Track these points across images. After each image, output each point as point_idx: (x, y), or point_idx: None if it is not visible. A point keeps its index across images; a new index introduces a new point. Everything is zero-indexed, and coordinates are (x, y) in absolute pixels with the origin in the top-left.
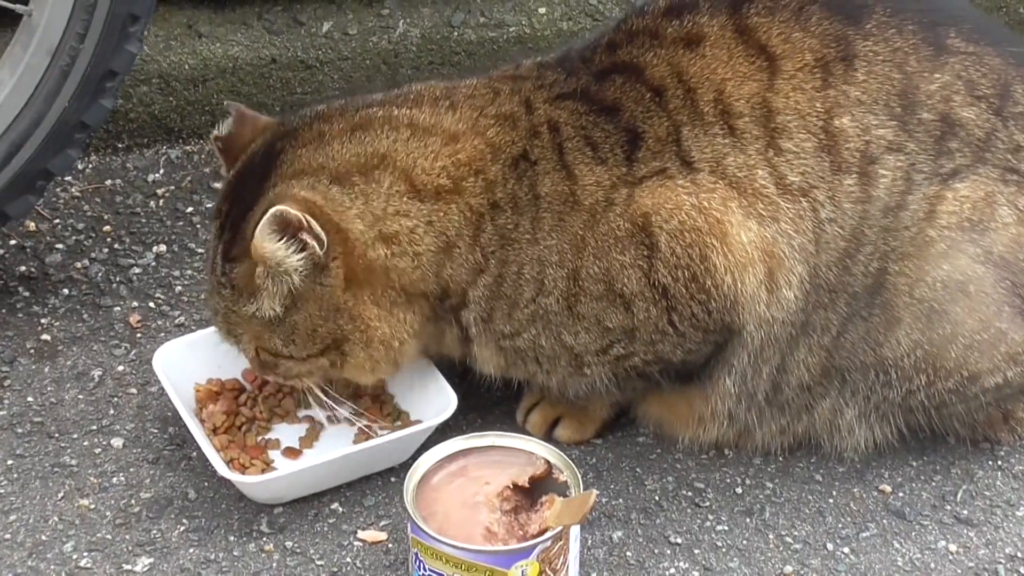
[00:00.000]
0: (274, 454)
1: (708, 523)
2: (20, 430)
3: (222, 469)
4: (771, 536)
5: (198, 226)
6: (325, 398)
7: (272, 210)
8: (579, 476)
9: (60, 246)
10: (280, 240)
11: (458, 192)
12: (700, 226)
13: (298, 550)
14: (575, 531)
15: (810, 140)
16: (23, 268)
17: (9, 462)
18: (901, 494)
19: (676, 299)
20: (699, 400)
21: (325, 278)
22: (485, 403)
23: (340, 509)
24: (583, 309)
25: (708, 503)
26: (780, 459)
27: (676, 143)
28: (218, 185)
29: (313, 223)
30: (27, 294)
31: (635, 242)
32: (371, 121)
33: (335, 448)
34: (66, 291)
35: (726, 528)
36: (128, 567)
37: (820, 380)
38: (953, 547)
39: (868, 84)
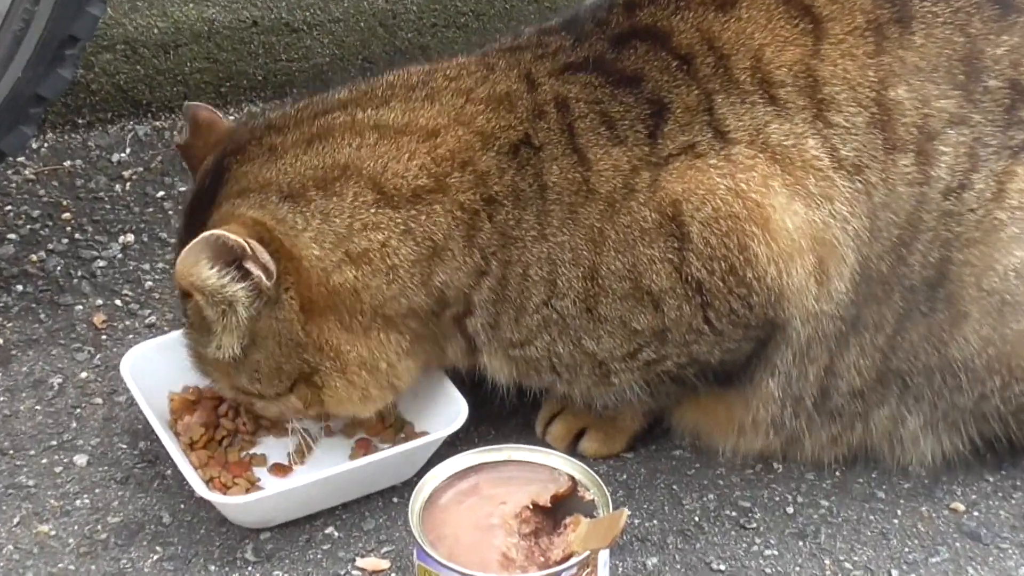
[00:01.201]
0: (260, 471)
1: (755, 547)
2: None
3: (201, 489)
4: (827, 562)
5: (170, 212)
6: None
7: (204, 235)
8: (608, 494)
9: (12, 236)
10: (213, 268)
11: (442, 190)
12: (737, 212)
13: None
14: (603, 557)
15: (861, 114)
16: None
17: None
18: (976, 513)
19: (712, 294)
20: (739, 405)
21: (278, 311)
22: (500, 412)
23: (336, 534)
24: (605, 311)
25: (755, 524)
26: (836, 474)
27: (708, 111)
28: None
29: (259, 250)
30: None
31: (664, 233)
32: (330, 129)
33: (329, 464)
34: (20, 287)
35: (775, 553)
36: None
37: (875, 385)
38: None
39: (927, 49)
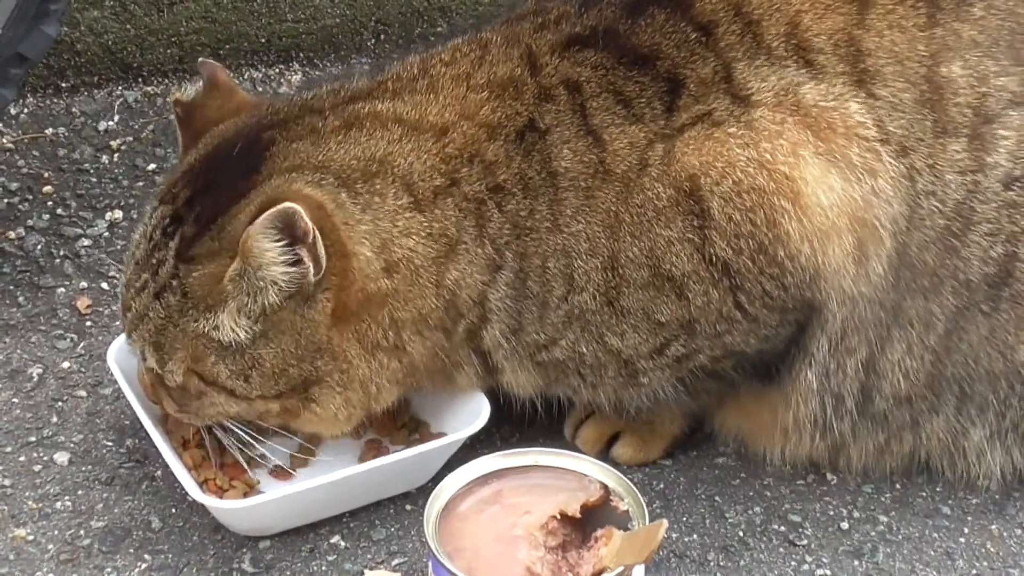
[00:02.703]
0: (260, 473)
1: (805, 566)
2: None
3: (194, 492)
4: None
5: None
6: (246, 437)
7: (285, 205)
8: (644, 505)
9: None
10: (276, 243)
11: (455, 184)
12: (762, 185)
13: None
14: (638, 573)
15: (909, 91)
16: None
17: None
18: None
19: (742, 276)
20: (781, 404)
21: (308, 310)
22: (525, 412)
23: (342, 544)
24: (627, 303)
25: (805, 541)
26: (897, 487)
27: (726, 79)
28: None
29: (319, 240)
30: None
31: (681, 211)
32: (360, 119)
33: (335, 467)
34: None
35: (828, 573)
36: None
37: (924, 392)
38: None
39: (986, 21)
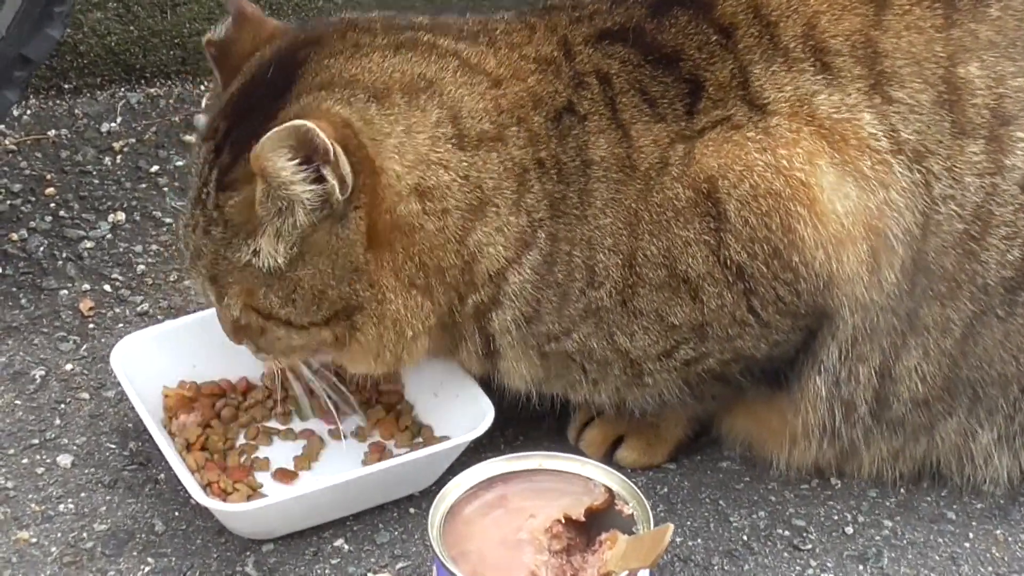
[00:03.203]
0: (263, 476)
1: (810, 570)
2: None
3: (198, 495)
4: None
5: (164, 188)
6: (325, 385)
7: (295, 121)
8: (649, 509)
9: None
10: (290, 161)
11: (501, 140)
12: (778, 190)
13: None
14: None
15: (927, 92)
16: None
17: None
18: None
19: (755, 280)
20: (790, 411)
21: (342, 229)
22: (529, 415)
23: (346, 547)
24: (641, 303)
25: (810, 545)
26: (901, 492)
27: (743, 85)
28: (200, 119)
29: (342, 158)
30: None
31: (699, 212)
32: (416, 43)
33: (339, 470)
34: None
35: None
36: None
37: (941, 394)
38: None
39: (1003, 22)
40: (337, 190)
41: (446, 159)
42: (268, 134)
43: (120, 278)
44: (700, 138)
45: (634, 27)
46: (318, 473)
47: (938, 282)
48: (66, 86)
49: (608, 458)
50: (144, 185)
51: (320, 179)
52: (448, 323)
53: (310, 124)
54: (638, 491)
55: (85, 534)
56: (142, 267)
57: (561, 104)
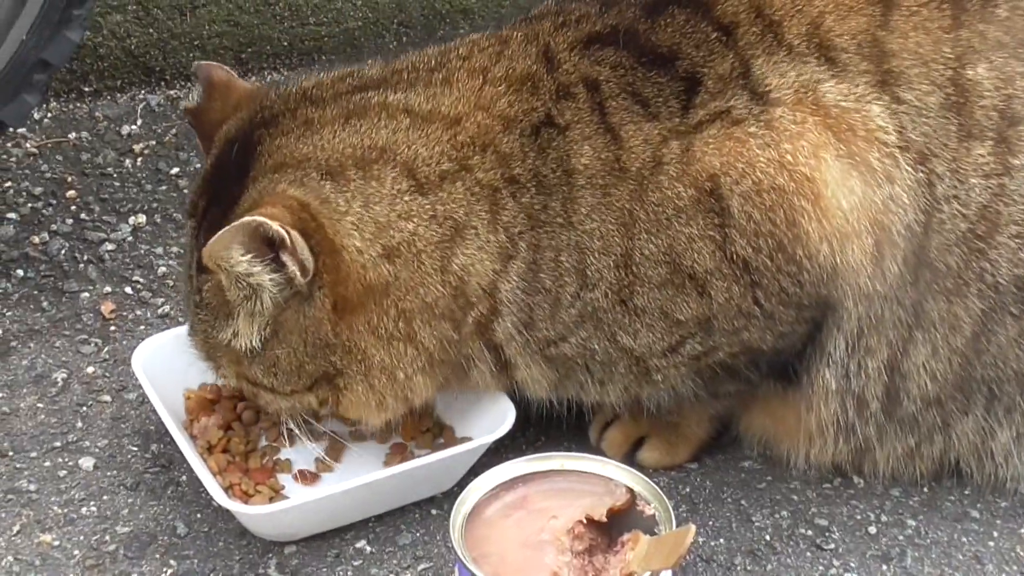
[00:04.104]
0: (285, 479)
1: (833, 570)
2: None
3: (219, 497)
4: None
5: (185, 191)
6: (307, 433)
7: (245, 219)
8: (671, 509)
9: (12, 216)
10: (246, 255)
11: (465, 169)
12: (782, 184)
13: None
14: None
15: (935, 94)
16: None
17: None
18: None
19: (760, 273)
20: (804, 407)
21: (309, 308)
22: (550, 416)
23: (368, 549)
24: (642, 301)
25: (832, 545)
26: (924, 491)
27: (744, 76)
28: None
29: (300, 244)
30: None
31: (702, 209)
32: (366, 109)
33: (361, 471)
34: (20, 272)
35: None
36: None
37: (954, 393)
38: None
39: (1012, 22)
40: (298, 275)
41: (409, 210)
42: (216, 235)
43: (141, 280)
44: (698, 134)
45: (626, 29)
46: (340, 475)
47: (943, 278)
48: (86, 89)
49: (629, 459)
50: (164, 187)
51: (281, 266)
52: (447, 357)
53: (259, 219)
54: (660, 491)
55: (108, 537)
56: (163, 269)
57: (538, 119)
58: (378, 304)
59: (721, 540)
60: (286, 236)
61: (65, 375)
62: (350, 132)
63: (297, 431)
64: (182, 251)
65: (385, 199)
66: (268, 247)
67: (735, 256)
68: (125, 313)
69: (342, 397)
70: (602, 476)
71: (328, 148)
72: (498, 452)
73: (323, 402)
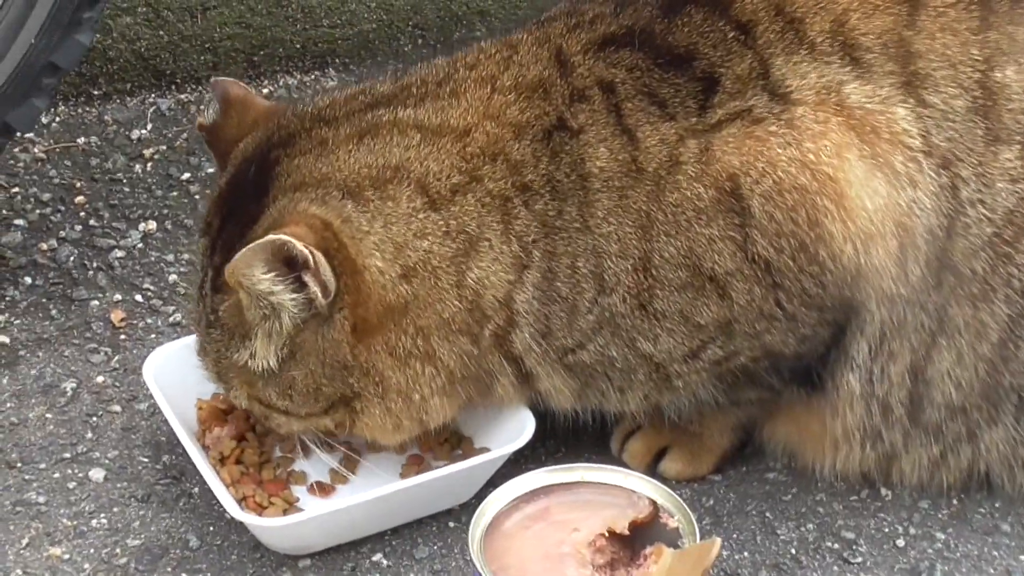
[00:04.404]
0: (299, 491)
1: None
2: None
3: (233, 509)
4: None
5: (196, 196)
6: (322, 445)
7: (270, 237)
8: (695, 522)
9: (20, 222)
10: (269, 273)
11: (475, 180)
12: (804, 184)
13: None
14: None
15: (961, 97)
16: None
17: None
18: None
19: (782, 273)
20: (829, 414)
21: (328, 330)
22: (570, 426)
23: (384, 562)
24: (662, 305)
25: (860, 558)
26: (954, 503)
27: (763, 76)
28: None
29: (323, 265)
30: None
31: (722, 210)
32: (378, 127)
33: (377, 483)
34: (28, 280)
35: None
36: None
37: (980, 402)
38: None
39: None
40: (319, 296)
41: (423, 228)
42: (241, 251)
43: (152, 288)
44: (717, 134)
45: (642, 30)
46: (355, 486)
47: (968, 283)
48: (95, 92)
49: (652, 470)
50: (175, 193)
51: (302, 286)
52: (467, 372)
53: (285, 237)
54: (683, 504)
55: (118, 550)
56: (174, 276)
57: (550, 123)
58: (397, 324)
59: (745, 554)
60: (310, 256)
61: (74, 385)
62: (365, 152)
63: (311, 445)
64: (191, 268)
65: (402, 219)
66: (289, 267)
67: (756, 257)
68: (135, 321)
69: (358, 420)
70: (624, 488)
71: (345, 168)
72: (517, 463)
73: (339, 425)
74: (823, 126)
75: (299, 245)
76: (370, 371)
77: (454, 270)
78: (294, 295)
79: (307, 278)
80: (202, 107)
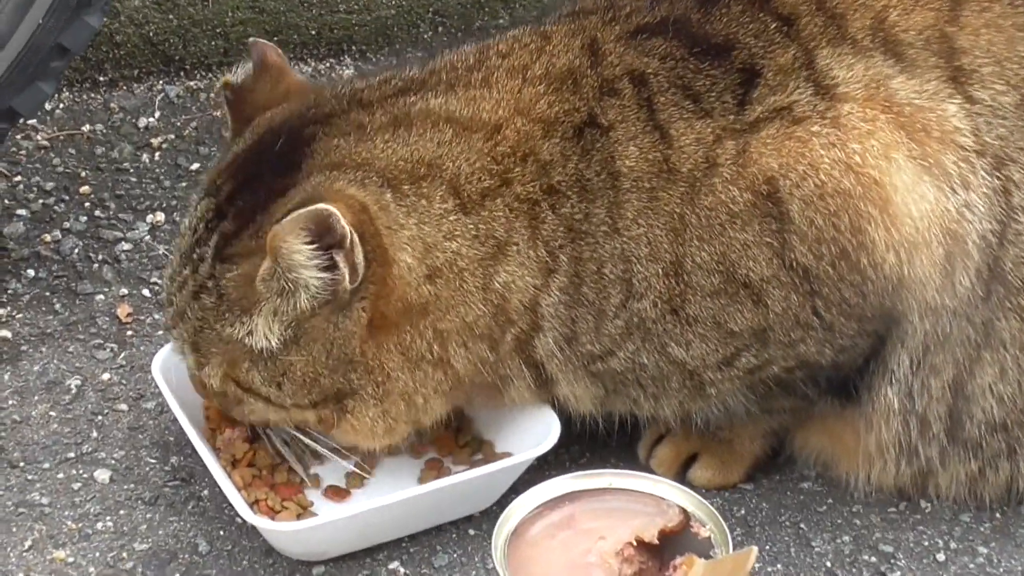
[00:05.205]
0: (313, 495)
1: None
2: None
3: (245, 513)
4: None
5: None
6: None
7: (319, 206)
8: (727, 531)
9: (23, 212)
10: (307, 244)
11: (505, 184)
12: (847, 188)
13: None
14: None
15: (1009, 94)
16: None
17: None
18: None
19: (820, 281)
20: (863, 426)
21: (342, 319)
22: (596, 431)
23: (402, 570)
24: (694, 310)
25: (898, 572)
26: (997, 516)
27: (807, 67)
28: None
29: (357, 247)
30: None
31: (758, 214)
32: (410, 116)
33: (394, 488)
34: (31, 272)
35: None
36: None
37: (1022, 418)
38: None
39: None
40: (347, 278)
41: (453, 230)
42: (291, 215)
43: (159, 282)
44: (755, 134)
45: (676, 19)
46: (372, 491)
47: (1016, 295)
48: (101, 78)
49: (680, 477)
50: (184, 184)
51: (332, 266)
52: (478, 380)
53: (332, 209)
54: (715, 512)
55: (125, 554)
56: None
57: (580, 119)
58: (414, 325)
59: (779, 566)
60: (349, 235)
61: (79, 382)
62: (400, 143)
63: (272, 439)
64: (178, 228)
65: (434, 218)
66: (327, 245)
67: (794, 263)
68: (143, 317)
69: (345, 419)
70: (654, 495)
71: (383, 157)
72: (540, 469)
73: (322, 420)
74: (870, 124)
75: (343, 220)
76: (375, 369)
77: (481, 273)
78: (321, 274)
79: (339, 258)
80: (211, 95)
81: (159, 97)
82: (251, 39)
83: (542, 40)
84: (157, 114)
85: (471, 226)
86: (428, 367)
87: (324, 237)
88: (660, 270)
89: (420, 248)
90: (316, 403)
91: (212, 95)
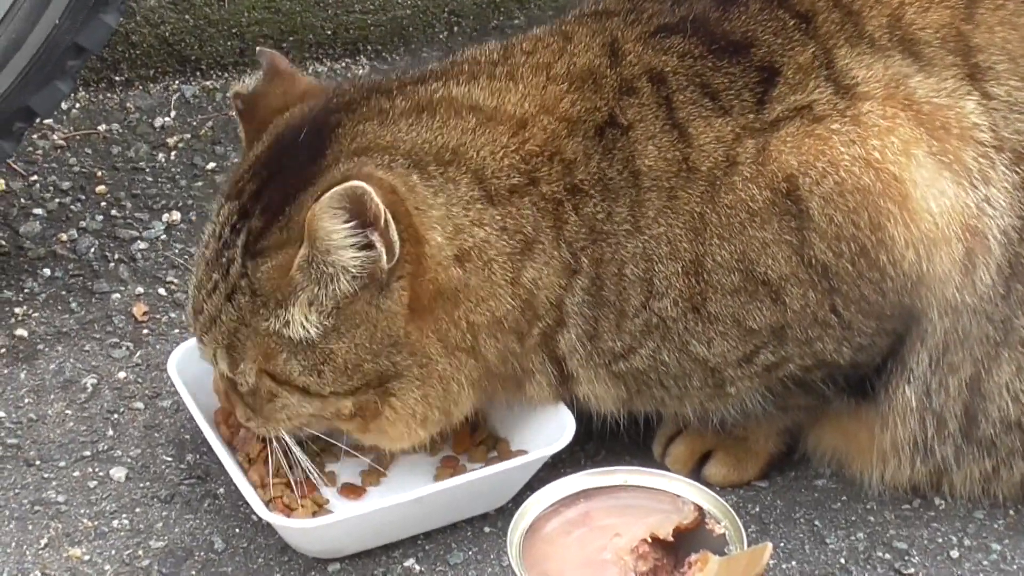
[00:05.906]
0: (329, 492)
1: None
2: None
3: (261, 511)
4: None
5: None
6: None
7: (352, 183)
8: (743, 528)
9: (39, 212)
10: (344, 224)
11: (532, 183)
12: (867, 185)
13: None
14: None
15: None
16: None
17: None
18: None
19: (840, 278)
20: (879, 425)
21: (383, 300)
22: (610, 428)
23: (417, 568)
24: (715, 308)
25: (912, 569)
26: (1011, 513)
27: (827, 66)
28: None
29: (391, 224)
30: None
31: (777, 212)
32: (433, 103)
33: (410, 485)
34: (48, 272)
35: None
36: None
37: None
38: None
39: None
40: (384, 257)
41: (480, 218)
42: (327, 194)
43: (175, 281)
44: (775, 133)
45: (695, 17)
46: (387, 489)
47: None
48: (117, 78)
49: (695, 474)
50: (200, 183)
51: (368, 246)
52: (503, 371)
53: (366, 186)
54: (730, 509)
55: (141, 551)
56: None
57: (602, 119)
58: (448, 314)
59: (793, 563)
60: (383, 212)
61: (95, 380)
62: (424, 128)
63: (289, 444)
64: (202, 237)
65: (461, 202)
66: (362, 224)
67: (813, 261)
68: (158, 315)
69: (387, 403)
70: (669, 492)
71: (408, 140)
72: (555, 467)
73: (360, 408)
74: (890, 122)
75: (376, 198)
76: (418, 352)
77: (510, 267)
78: (357, 254)
79: (374, 237)
80: (236, 84)
81: (175, 97)
82: (258, 48)
83: (564, 40)
84: (173, 114)
85: (498, 217)
86: (463, 355)
87: (359, 216)
88: (680, 268)
89: (449, 228)
90: (356, 389)
91: (228, 95)
